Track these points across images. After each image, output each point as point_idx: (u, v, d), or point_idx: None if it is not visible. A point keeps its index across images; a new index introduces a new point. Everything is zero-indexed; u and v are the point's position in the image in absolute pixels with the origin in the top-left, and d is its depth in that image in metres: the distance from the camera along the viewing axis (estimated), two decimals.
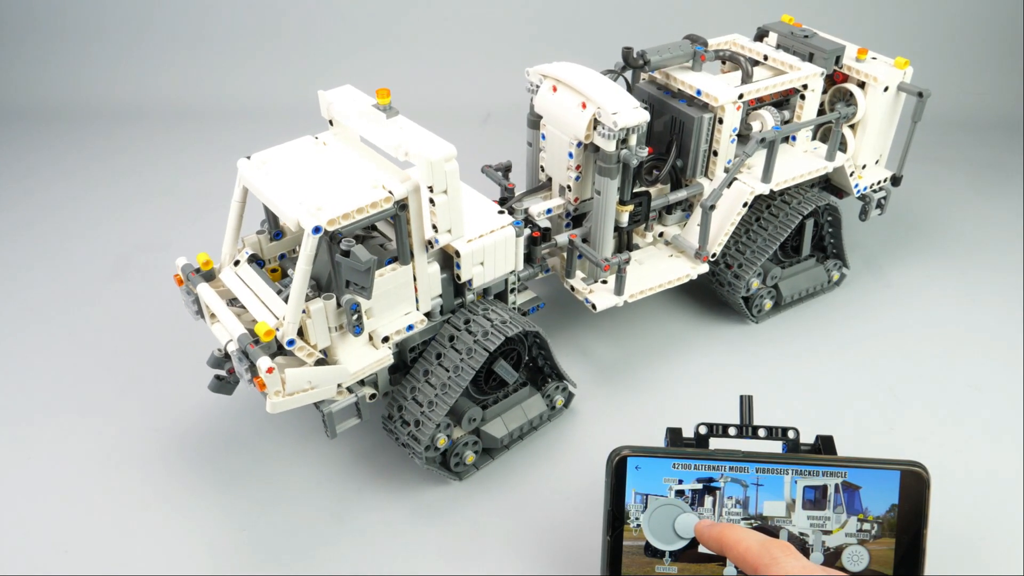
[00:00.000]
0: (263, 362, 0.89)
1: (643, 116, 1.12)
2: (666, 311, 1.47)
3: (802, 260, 1.45)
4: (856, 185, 1.46)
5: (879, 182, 1.50)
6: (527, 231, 1.22)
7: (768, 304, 1.42)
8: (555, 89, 1.23)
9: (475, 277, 1.09)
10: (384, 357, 1.02)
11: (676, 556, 0.76)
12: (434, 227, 0.98)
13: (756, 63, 1.40)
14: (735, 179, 1.31)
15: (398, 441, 1.07)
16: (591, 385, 1.30)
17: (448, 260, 1.07)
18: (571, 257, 1.27)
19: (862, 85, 1.40)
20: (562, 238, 1.27)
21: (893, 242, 1.68)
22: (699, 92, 1.27)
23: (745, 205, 1.30)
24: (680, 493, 0.76)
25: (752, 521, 0.75)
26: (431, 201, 0.95)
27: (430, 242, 1.00)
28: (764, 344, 1.38)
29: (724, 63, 1.46)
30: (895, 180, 1.51)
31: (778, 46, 1.45)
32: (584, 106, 1.17)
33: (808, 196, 1.38)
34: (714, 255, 1.32)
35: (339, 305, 0.95)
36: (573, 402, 1.24)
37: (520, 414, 1.15)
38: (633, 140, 1.15)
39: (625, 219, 1.25)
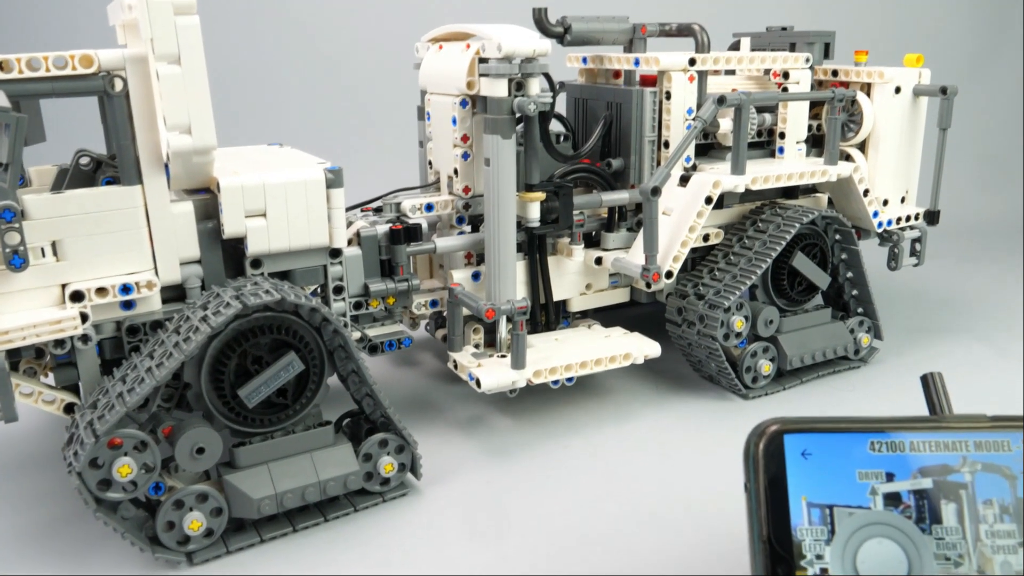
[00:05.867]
0: None
1: (541, 44, 0.80)
2: (615, 381, 1.02)
3: (810, 308, 1.01)
4: (875, 215, 1.06)
5: (908, 218, 1.10)
6: (385, 224, 0.84)
7: (766, 367, 0.96)
8: (440, 47, 0.92)
9: (252, 237, 0.70)
10: (67, 320, 0.61)
11: None
12: (164, 122, 0.61)
13: (732, 73, 1.09)
14: (693, 171, 0.93)
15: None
16: (467, 459, 0.82)
17: (217, 211, 0.69)
18: (453, 316, 0.86)
19: (867, 93, 1.06)
20: (444, 242, 0.88)
21: (938, 316, 1.23)
22: (637, 62, 0.95)
23: (709, 202, 0.90)
24: (893, 499, 0.43)
25: None
26: (157, 75, 0.60)
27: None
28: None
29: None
30: (931, 217, 1.11)
31: (753, 50, 1.15)
32: (468, 46, 0.85)
33: (806, 208, 0.98)
34: (669, 275, 0.90)
35: None
36: (424, 478, 0.76)
37: (306, 468, 0.67)
38: (534, 87, 0.81)
39: (535, 214, 0.87)
